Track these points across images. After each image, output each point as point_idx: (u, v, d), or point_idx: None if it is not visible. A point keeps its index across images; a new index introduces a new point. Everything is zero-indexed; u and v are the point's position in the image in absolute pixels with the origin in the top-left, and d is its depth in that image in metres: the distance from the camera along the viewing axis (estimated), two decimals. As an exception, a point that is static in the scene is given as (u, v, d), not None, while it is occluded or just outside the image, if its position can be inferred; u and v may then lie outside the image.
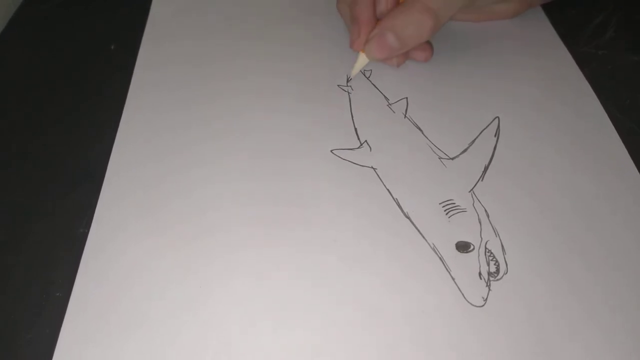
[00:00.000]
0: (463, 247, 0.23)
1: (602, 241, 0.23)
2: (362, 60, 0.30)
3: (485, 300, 0.21)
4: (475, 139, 0.27)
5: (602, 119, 0.28)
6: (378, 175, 0.26)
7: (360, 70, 0.31)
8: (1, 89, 0.31)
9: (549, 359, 0.20)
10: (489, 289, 0.22)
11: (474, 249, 0.23)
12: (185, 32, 0.34)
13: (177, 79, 0.31)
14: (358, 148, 0.27)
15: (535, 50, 0.33)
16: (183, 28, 0.35)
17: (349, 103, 0.29)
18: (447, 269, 0.22)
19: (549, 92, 0.30)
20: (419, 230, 0.24)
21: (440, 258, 0.23)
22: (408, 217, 0.24)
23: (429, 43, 0.32)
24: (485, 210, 0.24)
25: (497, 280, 0.22)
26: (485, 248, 0.23)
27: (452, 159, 0.27)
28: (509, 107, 0.29)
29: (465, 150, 0.27)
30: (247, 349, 0.20)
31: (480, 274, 0.22)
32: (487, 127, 0.28)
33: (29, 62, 0.33)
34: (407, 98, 0.30)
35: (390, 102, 0.29)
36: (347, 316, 0.21)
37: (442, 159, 0.26)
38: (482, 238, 0.23)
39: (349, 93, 0.30)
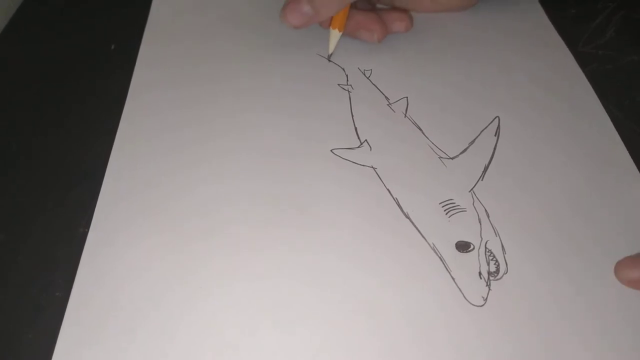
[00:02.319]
0: (463, 246, 0.23)
1: (602, 241, 0.23)
2: (334, 36, 0.31)
3: (485, 299, 0.21)
4: (475, 139, 0.27)
5: (602, 119, 0.28)
6: (378, 174, 0.26)
7: (361, 70, 0.31)
8: (1, 89, 0.31)
9: (549, 359, 0.20)
10: (489, 289, 0.22)
11: (474, 248, 0.23)
12: (185, 32, 0.34)
13: (177, 79, 0.31)
14: (358, 147, 0.27)
15: (535, 50, 0.33)
16: (183, 28, 0.35)
17: (349, 102, 0.29)
18: (447, 269, 0.22)
19: (549, 92, 0.30)
20: (418, 230, 0.24)
21: (440, 258, 0.23)
22: (408, 217, 0.24)
23: (406, 13, 0.32)
24: (485, 210, 0.24)
25: (497, 279, 0.22)
26: (485, 248, 0.23)
27: (452, 158, 0.27)
28: (509, 106, 0.29)
29: (465, 150, 0.27)
30: (248, 350, 0.20)
31: (480, 273, 0.22)
32: (487, 126, 0.28)
33: (29, 62, 0.33)
34: (407, 98, 0.30)
35: (390, 101, 0.29)
36: (347, 316, 0.21)
37: (442, 159, 0.26)
38: (482, 238, 0.23)
39: (349, 92, 0.30)
